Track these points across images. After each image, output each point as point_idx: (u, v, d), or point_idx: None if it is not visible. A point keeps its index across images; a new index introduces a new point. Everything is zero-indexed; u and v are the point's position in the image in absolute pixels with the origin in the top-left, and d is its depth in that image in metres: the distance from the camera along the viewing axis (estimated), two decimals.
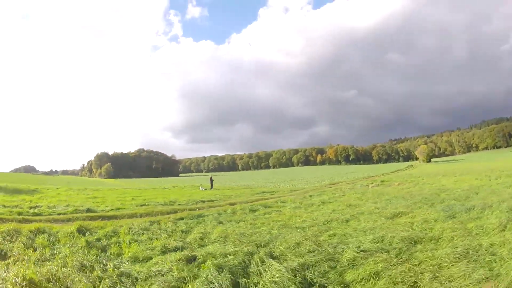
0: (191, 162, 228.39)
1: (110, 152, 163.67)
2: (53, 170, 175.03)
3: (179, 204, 17.71)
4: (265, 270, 5.33)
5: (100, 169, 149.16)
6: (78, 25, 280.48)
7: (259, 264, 5.68)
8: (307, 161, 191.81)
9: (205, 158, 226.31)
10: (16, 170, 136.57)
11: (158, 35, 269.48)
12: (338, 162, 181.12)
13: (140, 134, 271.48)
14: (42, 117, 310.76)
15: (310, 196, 19.64)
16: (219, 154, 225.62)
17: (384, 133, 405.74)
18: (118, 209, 15.28)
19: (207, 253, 6.51)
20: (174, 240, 8.06)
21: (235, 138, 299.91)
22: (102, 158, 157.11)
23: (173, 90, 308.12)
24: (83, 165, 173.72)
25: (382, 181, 25.87)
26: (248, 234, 8.61)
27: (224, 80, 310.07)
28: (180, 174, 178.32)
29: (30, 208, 14.49)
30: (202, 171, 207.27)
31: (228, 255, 6.23)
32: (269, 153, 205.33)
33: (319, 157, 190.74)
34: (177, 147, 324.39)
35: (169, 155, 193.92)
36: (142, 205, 16.74)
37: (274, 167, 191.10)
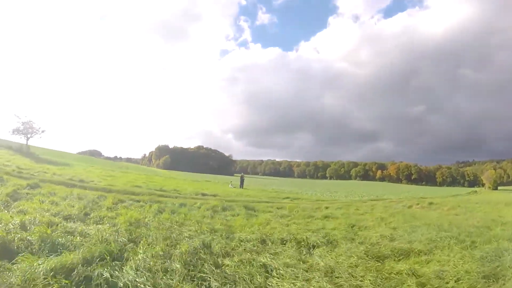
0: (248, 164, 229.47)
1: (171, 146, 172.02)
2: (117, 157, 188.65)
3: (179, 193, 17.73)
4: None
5: (159, 160, 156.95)
6: (150, 28, 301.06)
7: None
8: (366, 176, 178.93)
9: (262, 161, 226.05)
10: (83, 153, 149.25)
11: (228, 40, 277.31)
12: (399, 180, 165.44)
13: (203, 133, 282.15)
14: (116, 108, 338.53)
15: (326, 207, 15.58)
16: (277, 159, 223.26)
17: (451, 154, 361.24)
18: None
19: None
20: None
21: (295, 146, 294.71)
22: (162, 150, 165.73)
23: (239, 94, 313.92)
24: (144, 155, 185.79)
25: (430, 203, 20.35)
26: None
27: (290, 88, 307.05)
28: (235, 174, 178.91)
29: None
30: (258, 174, 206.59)
31: None
32: (327, 163, 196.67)
33: (379, 173, 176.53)
34: (237, 149, 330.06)
35: (227, 154, 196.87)
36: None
37: (330, 178, 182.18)
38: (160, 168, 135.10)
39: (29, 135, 39.49)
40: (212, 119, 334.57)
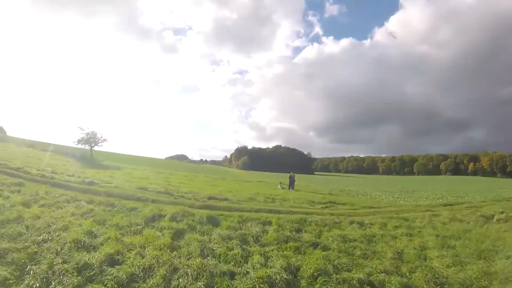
0: (330, 162, 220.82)
1: (249, 147, 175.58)
2: (203, 160, 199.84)
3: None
4: None
5: (238, 161, 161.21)
6: (224, 36, 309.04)
7: None
8: (457, 170, 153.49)
9: (344, 158, 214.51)
10: (170, 158, 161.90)
11: (300, 36, 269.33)
12: (493, 174, 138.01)
13: (284, 132, 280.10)
14: (199, 113, 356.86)
15: (362, 222, 11.32)
16: (361, 155, 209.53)
17: None
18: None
19: None
20: None
21: (380, 140, 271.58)
22: (241, 152, 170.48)
23: (317, 90, 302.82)
24: (226, 156, 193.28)
25: None
26: None
27: (369, 78, 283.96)
28: (315, 173, 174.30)
29: None
30: (340, 171, 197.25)
31: None
32: (415, 157, 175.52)
33: (471, 166, 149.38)
34: (319, 147, 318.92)
35: (305, 152, 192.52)
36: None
37: (418, 174, 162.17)
38: (239, 168, 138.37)
39: (93, 144, 42.97)
40: (293, 118, 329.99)
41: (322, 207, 15.33)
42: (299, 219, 10.40)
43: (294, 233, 8.88)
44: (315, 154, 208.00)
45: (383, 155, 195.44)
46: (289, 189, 28.79)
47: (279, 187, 30.24)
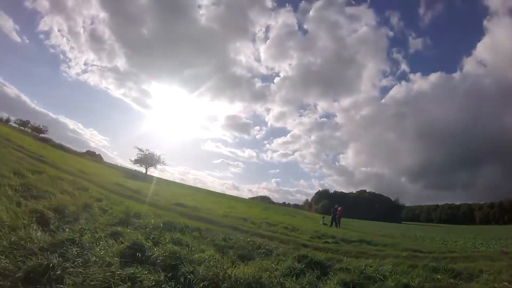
0: (422, 210, 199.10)
1: (331, 190, 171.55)
2: (285, 203, 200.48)
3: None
4: None
5: (318, 205, 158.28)
6: (312, 80, 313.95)
7: None
8: None
9: (437, 206, 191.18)
10: (254, 198, 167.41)
11: (386, 76, 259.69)
12: None
13: (374, 177, 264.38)
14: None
15: None
16: (456, 203, 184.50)
17: None
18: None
19: None
20: None
21: (480, 183, 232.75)
22: (322, 195, 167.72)
23: (408, 131, 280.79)
24: (307, 200, 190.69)
25: None
26: None
27: (464, 113, 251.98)
28: (403, 222, 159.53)
29: None
30: (432, 221, 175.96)
31: None
32: None
33: None
34: (411, 193, 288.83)
35: (393, 198, 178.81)
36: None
37: None
38: (318, 212, 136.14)
39: (148, 165, 47.03)
40: (383, 162, 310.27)
41: (329, 242, 14.61)
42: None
43: None
44: (406, 202, 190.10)
45: (481, 202, 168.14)
46: (331, 225, 27.53)
47: (321, 223, 29.96)
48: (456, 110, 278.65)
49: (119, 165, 53.10)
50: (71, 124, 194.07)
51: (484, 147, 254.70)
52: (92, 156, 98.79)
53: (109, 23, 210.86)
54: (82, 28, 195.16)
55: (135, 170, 46.54)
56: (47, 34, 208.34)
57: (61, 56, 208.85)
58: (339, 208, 29.42)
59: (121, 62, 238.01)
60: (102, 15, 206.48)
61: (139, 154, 46.83)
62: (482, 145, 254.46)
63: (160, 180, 44.09)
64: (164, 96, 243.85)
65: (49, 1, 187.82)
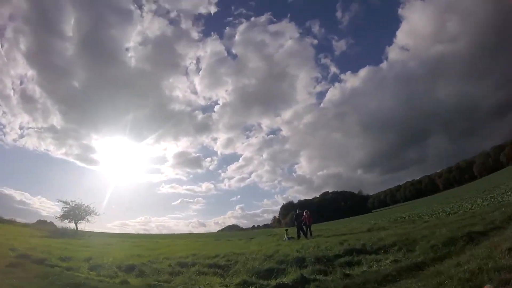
0: (386, 194, 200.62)
1: (295, 201, 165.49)
2: (255, 226, 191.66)
3: None
4: None
5: (286, 218, 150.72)
6: (250, 102, 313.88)
7: None
8: None
9: (400, 186, 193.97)
10: (222, 230, 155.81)
11: (319, 81, 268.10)
12: None
13: (332, 178, 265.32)
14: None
15: None
16: (416, 178, 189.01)
17: None
18: None
19: None
20: None
21: (431, 155, 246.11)
22: (288, 208, 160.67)
23: (352, 127, 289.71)
24: (274, 217, 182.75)
25: None
26: None
27: (398, 98, 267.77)
28: (373, 210, 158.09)
29: None
30: (399, 201, 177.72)
31: None
32: (471, 160, 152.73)
33: None
34: (371, 182, 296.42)
35: (356, 192, 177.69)
36: None
37: (480, 176, 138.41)
38: (288, 226, 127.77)
39: (77, 219, 40.14)
40: (336, 161, 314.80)
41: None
42: None
43: None
44: (369, 191, 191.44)
45: (438, 170, 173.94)
46: (299, 237, 20.07)
47: (284, 238, 20.94)
48: (390, 97, 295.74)
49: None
50: (17, 195, 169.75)
51: (424, 123, 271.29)
52: (43, 225, 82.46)
53: (38, 80, 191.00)
54: (12, 90, 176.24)
55: (65, 228, 38.58)
56: None
57: None
58: (304, 213, 21.53)
59: (56, 120, 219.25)
60: (30, 72, 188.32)
61: (65, 207, 39.94)
62: (421, 121, 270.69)
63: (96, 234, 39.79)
64: (108, 148, 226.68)
65: None
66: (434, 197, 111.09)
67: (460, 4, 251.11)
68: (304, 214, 21.17)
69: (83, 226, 41.19)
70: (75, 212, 39.63)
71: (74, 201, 40.31)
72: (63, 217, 39.48)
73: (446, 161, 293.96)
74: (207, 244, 23.97)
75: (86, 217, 40.99)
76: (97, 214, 42.21)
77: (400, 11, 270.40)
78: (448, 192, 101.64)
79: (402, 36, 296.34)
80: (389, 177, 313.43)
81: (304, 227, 20.72)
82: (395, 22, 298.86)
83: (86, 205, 41.01)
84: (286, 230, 23.81)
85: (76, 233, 35.37)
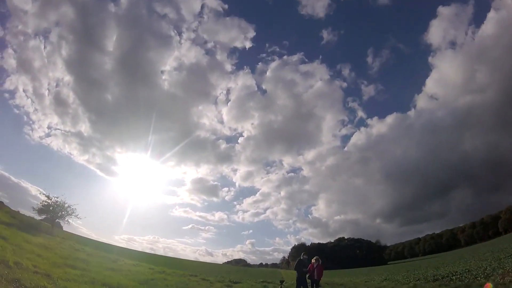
0: (404, 247, 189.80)
1: (308, 243, 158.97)
2: (262, 264, 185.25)
3: None
4: None
5: (295, 261, 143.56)
6: (274, 138, 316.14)
7: None
8: None
9: (419, 239, 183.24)
10: (228, 263, 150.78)
11: (345, 124, 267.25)
12: None
13: (348, 224, 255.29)
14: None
15: None
16: (437, 231, 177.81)
17: None
18: None
19: None
20: None
21: (454, 209, 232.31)
22: (299, 249, 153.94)
23: (374, 174, 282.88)
24: (283, 257, 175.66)
25: None
26: None
27: (424, 147, 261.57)
28: (389, 262, 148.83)
29: None
30: (417, 255, 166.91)
31: None
32: (497, 215, 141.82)
33: None
34: (389, 233, 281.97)
35: (374, 241, 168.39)
36: None
37: (505, 233, 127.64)
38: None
39: (55, 217, 37.56)
40: (355, 208, 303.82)
41: None
42: None
43: None
44: (387, 242, 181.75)
45: (461, 225, 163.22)
46: None
47: None
48: (416, 146, 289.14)
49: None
50: (33, 189, 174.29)
51: (449, 174, 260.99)
52: (49, 222, 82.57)
53: (74, 86, 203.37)
54: (47, 90, 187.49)
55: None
56: (12, 93, 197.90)
57: (25, 118, 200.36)
58: (313, 260, 15.28)
59: (85, 127, 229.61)
60: (67, 78, 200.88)
61: (45, 202, 36.52)
62: (446, 173, 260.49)
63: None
64: (129, 162, 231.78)
65: (17, 60, 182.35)
66: (454, 252, 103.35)
67: (489, 54, 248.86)
68: (312, 262, 15.04)
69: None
70: (54, 209, 36.91)
71: (57, 197, 37.64)
72: (40, 211, 36.86)
73: (470, 215, 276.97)
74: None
75: (67, 218, 38.39)
76: (79, 217, 39.50)
77: (430, 59, 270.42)
78: (469, 249, 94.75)
79: (431, 84, 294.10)
80: (409, 229, 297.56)
81: (309, 281, 14.67)
82: (425, 70, 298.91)
83: (68, 205, 38.18)
84: (281, 283, 17.89)
85: (51, 231, 33.62)
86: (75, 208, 38.37)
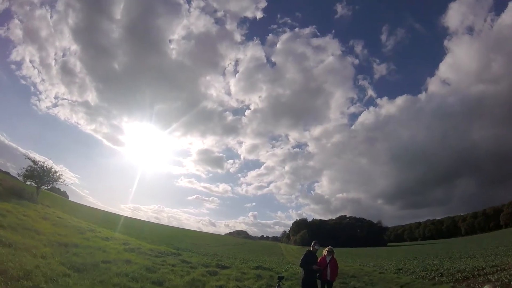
0: (404, 230, 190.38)
1: (310, 219, 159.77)
2: (264, 236, 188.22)
3: None
4: None
5: (296, 236, 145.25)
6: (281, 112, 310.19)
7: None
8: None
9: (420, 223, 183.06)
10: (230, 234, 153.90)
11: (354, 103, 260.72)
12: None
13: (350, 202, 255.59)
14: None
15: None
16: (437, 218, 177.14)
17: None
18: None
19: None
20: None
21: (456, 198, 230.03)
22: (300, 225, 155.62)
23: (380, 154, 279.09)
24: (284, 232, 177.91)
25: None
26: None
27: (432, 133, 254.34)
28: (389, 244, 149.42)
29: None
30: (416, 239, 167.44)
31: None
32: (499, 208, 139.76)
33: None
34: (389, 215, 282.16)
35: (375, 221, 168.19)
36: None
37: (506, 226, 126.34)
38: (297, 244, 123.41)
39: (40, 183, 35.69)
40: (358, 187, 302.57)
41: None
42: None
43: None
44: (387, 223, 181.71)
45: (462, 214, 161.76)
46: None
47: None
48: (424, 130, 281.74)
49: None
50: (41, 160, 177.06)
51: (456, 162, 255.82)
52: (56, 193, 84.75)
53: (81, 55, 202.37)
54: (54, 60, 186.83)
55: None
56: (19, 64, 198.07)
57: (32, 88, 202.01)
58: (325, 252, 11.04)
59: (92, 97, 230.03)
60: (74, 47, 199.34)
61: (30, 167, 34.69)
62: (453, 160, 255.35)
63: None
64: (136, 132, 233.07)
65: (23, 30, 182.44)
66: (453, 240, 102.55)
67: (507, 45, 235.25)
68: (324, 254, 10.97)
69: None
70: (39, 174, 35.29)
71: (43, 162, 36.08)
72: (26, 177, 35.20)
73: (471, 205, 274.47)
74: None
75: (52, 183, 37.54)
76: (66, 183, 39.18)
77: (446, 43, 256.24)
78: (470, 238, 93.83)
79: (445, 68, 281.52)
80: (409, 212, 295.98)
81: (319, 282, 10.72)
82: (440, 53, 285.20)
83: (55, 170, 36.72)
84: (280, 280, 10.84)
85: (31, 197, 31.69)
86: (61, 174, 37.29)
